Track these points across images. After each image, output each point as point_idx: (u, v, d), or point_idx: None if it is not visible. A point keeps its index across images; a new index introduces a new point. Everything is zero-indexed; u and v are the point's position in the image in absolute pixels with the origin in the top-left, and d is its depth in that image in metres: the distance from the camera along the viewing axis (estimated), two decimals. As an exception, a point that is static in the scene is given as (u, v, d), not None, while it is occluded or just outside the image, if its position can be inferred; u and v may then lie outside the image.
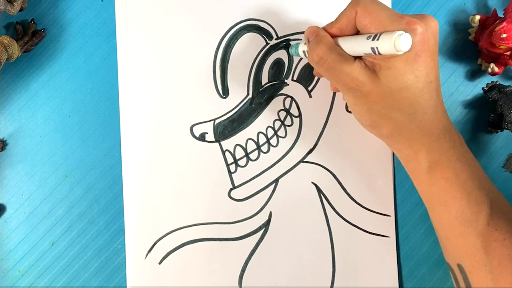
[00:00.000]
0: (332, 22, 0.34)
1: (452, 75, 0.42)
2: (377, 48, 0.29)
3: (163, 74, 0.41)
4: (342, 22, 0.33)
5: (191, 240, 0.41)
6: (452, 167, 0.32)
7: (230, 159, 0.41)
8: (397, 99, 0.32)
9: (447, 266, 0.36)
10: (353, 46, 0.32)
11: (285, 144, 0.41)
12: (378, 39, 0.29)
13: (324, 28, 0.34)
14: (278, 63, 0.41)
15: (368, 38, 0.30)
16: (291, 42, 0.41)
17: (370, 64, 0.32)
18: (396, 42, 0.28)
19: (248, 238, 0.41)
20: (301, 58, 0.41)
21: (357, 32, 0.33)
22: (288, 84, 0.41)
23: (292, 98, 0.41)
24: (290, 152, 0.41)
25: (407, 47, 0.29)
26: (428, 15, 0.32)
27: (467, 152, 0.34)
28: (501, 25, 0.37)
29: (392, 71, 0.31)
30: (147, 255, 0.40)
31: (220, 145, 0.41)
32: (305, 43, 0.36)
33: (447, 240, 0.34)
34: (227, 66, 0.41)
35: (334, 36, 0.34)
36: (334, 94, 0.41)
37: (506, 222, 0.32)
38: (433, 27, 0.31)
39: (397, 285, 0.41)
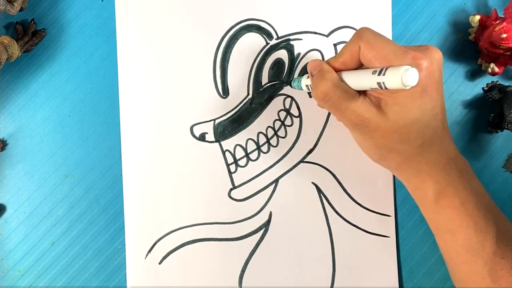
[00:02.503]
0: (336, 56, 0.34)
1: (452, 75, 0.42)
2: (383, 83, 0.29)
3: (163, 74, 0.41)
4: (346, 57, 0.33)
5: (191, 240, 0.41)
6: (458, 196, 0.32)
7: (230, 159, 0.41)
8: (404, 133, 0.32)
9: None
10: (359, 81, 0.32)
11: (285, 144, 0.41)
12: (384, 74, 0.29)
13: (327, 62, 0.34)
14: (278, 63, 0.41)
15: (373, 73, 0.30)
16: (292, 37, 0.41)
17: (376, 100, 0.32)
18: (403, 77, 0.28)
19: (248, 238, 0.41)
20: (301, 58, 0.41)
21: (360, 66, 0.33)
22: (288, 84, 0.41)
23: (292, 98, 0.41)
24: (290, 152, 0.41)
25: (414, 81, 0.28)
26: (431, 47, 0.32)
27: (473, 180, 0.33)
28: (501, 25, 0.37)
29: (400, 107, 0.31)
30: (147, 255, 0.40)
31: (220, 145, 0.41)
32: (307, 77, 0.36)
33: (454, 267, 0.34)
34: (227, 66, 0.41)
35: (337, 71, 0.34)
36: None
37: None
38: (437, 59, 0.31)
39: (397, 285, 0.41)
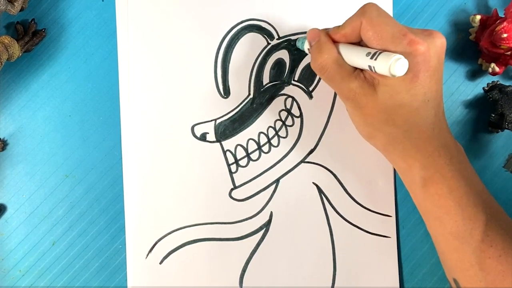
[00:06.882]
0: (338, 27, 0.34)
1: (453, 75, 0.42)
2: (374, 67, 0.30)
3: (164, 74, 0.41)
4: (347, 30, 0.33)
5: (192, 240, 0.41)
6: (446, 184, 0.32)
7: (231, 159, 0.41)
8: (391, 115, 0.32)
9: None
10: (353, 59, 0.32)
11: (286, 144, 0.41)
12: (376, 59, 0.29)
13: (329, 32, 0.34)
14: (279, 63, 0.41)
15: (367, 55, 0.30)
16: (293, 37, 0.41)
17: (370, 78, 0.32)
18: (391, 66, 0.28)
19: (249, 238, 0.41)
20: (303, 58, 0.41)
21: (361, 40, 0.33)
22: (289, 84, 0.41)
23: (293, 98, 0.41)
24: (291, 152, 0.41)
25: (401, 72, 0.29)
26: (435, 32, 0.32)
27: (464, 169, 0.33)
28: (502, 25, 0.37)
29: (388, 88, 0.31)
30: (147, 255, 0.40)
31: (221, 145, 0.41)
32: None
33: (443, 255, 0.34)
34: (228, 66, 0.41)
35: (337, 42, 0.34)
36: (335, 94, 0.41)
37: (502, 239, 0.31)
38: (437, 45, 0.31)
39: (397, 285, 0.41)
